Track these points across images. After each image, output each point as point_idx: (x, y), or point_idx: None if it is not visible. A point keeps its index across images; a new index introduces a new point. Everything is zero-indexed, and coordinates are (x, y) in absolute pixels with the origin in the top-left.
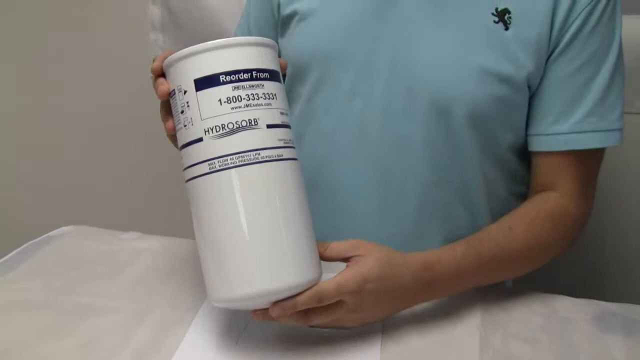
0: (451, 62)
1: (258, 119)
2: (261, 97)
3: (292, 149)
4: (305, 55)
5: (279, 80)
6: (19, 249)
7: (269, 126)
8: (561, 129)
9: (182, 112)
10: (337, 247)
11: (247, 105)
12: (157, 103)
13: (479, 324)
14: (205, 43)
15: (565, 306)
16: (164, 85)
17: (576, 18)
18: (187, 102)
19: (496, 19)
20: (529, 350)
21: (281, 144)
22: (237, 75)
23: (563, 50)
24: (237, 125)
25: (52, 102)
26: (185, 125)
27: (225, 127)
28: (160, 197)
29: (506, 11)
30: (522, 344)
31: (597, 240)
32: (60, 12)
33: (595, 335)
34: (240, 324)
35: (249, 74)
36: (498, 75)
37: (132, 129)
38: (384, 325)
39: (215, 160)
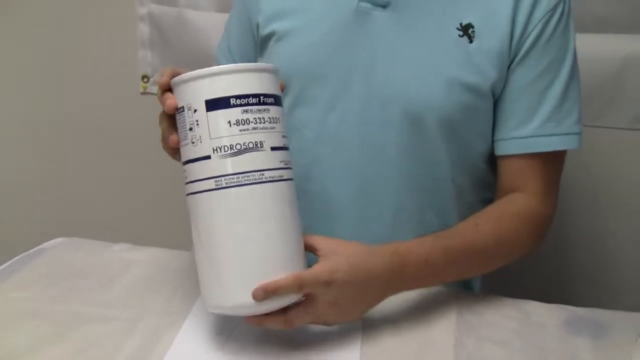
0: (422, 74)
1: (263, 141)
2: (267, 121)
3: (290, 170)
4: (285, 73)
5: (281, 105)
6: (10, 261)
7: (272, 149)
8: (522, 133)
9: (190, 129)
10: (309, 238)
11: (254, 128)
12: (147, 118)
13: (454, 328)
14: (218, 67)
15: (537, 311)
16: (172, 100)
17: (533, 29)
18: (197, 121)
19: (461, 33)
20: (501, 352)
21: (282, 165)
22: (246, 100)
23: (522, 59)
24: (245, 147)
25: (42, 116)
26: (193, 142)
27: (233, 148)
28: (150, 209)
29: (469, 26)
30: (496, 346)
31: (562, 247)
32: (50, 30)
33: (564, 338)
34: (227, 328)
35: (257, 99)
36: (465, 84)
37: (122, 143)
38: (364, 329)
39: (222, 178)
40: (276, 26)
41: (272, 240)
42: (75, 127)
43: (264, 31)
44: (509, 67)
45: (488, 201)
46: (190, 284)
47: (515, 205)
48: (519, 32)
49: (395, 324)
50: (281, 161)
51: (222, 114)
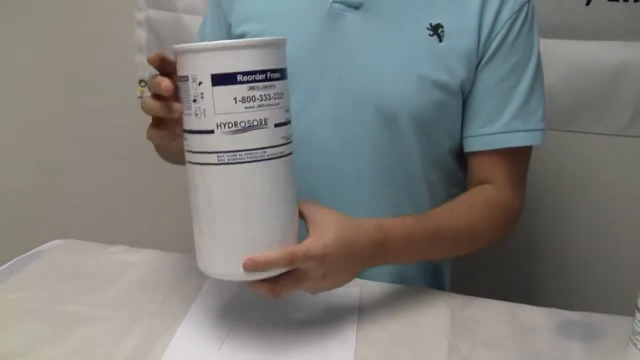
0: (394, 72)
1: (268, 118)
2: (272, 98)
3: (290, 144)
4: None
5: (286, 77)
6: (9, 263)
7: (276, 125)
8: (491, 130)
9: (194, 100)
10: (301, 204)
11: (259, 106)
12: (144, 122)
13: (448, 332)
14: (226, 41)
15: (530, 315)
16: (167, 82)
17: (500, 31)
18: (202, 94)
19: (431, 32)
20: (495, 356)
21: (284, 141)
22: (253, 76)
23: (489, 59)
24: (249, 124)
25: (40, 120)
26: (196, 114)
27: (238, 125)
28: (148, 212)
29: (439, 26)
30: (489, 350)
31: (558, 249)
32: (48, 34)
33: (557, 342)
34: (224, 330)
35: (264, 75)
36: (435, 82)
37: (119, 147)
38: (358, 333)
39: (225, 154)
40: (248, 28)
41: (268, 216)
42: (73, 130)
43: (236, 32)
44: (477, 67)
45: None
46: (187, 286)
47: (486, 195)
48: (486, 33)
49: (389, 328)
50: (283, 137)
51: (228, 90)
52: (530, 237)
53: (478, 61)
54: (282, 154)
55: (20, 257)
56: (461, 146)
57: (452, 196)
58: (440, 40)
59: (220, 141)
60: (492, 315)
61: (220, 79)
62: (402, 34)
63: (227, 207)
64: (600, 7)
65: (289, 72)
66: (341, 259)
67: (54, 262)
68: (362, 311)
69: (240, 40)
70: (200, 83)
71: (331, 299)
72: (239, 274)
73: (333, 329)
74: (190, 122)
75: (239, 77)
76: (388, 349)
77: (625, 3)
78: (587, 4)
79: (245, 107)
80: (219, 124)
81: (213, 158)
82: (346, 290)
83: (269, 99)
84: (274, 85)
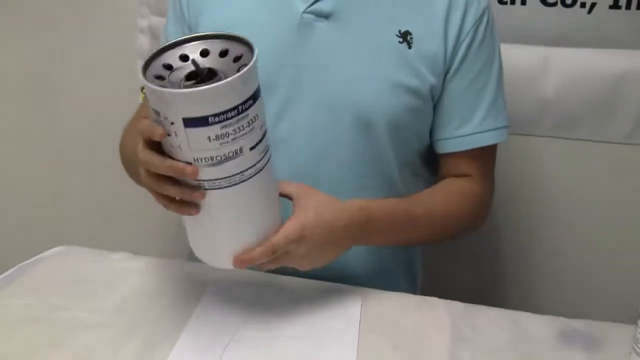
0: (368, 80)
1: (243, 147)
2: (246, 127)
3: (268, 151)
4: None
5: (260, 93)
6: (11, 270)
7: (252, 148)
8: (464, 132)
9: (169, 134)
10: (286, 186)
11: (234, 139)
12: None
13: (449, 341)
14: (195, 89)
15: (531, 322)
16: (161, 129)
17: (464, 38)
18: (175, 132)
19: (400, 39)
20: None
21: (260, 156)
22: (225, 115)
23: (458, 66)
24: (225, 157)
25: (41, 126)
26: (172, 146)
27: (214, 159)
28: (150, 219)
29: (408, 32)
30: (490, 359)
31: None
32: (50, 40)
33: (558, 350)
34: (224, 340)
35: (236, 110)
36: (407, 88)
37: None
38: (359, 341)
39: (204, 182)
40: None
41: (249, 221)
42: (75, 137)
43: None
44: (446, 74)
45: None
46: (188, 294)
47: (460, 185)
48: (452, 42)
49: (390, 338)
50: (260, 153)
51: (200, 131)
52: (531, 244)
53: (447, 69)
54: (260, 169)
55: (22, 264)
56: (427, 146)
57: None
58: (410, 47)
59: (199, 172)
60: (493, 324)
61: (191, 122)
62: (372, 42)
63: (211, 219)
64: (602, 15)
65: (263, 86)
66: (321, 239)
67: (56, 269)
68: (363, 320)
69: (208, 86)
70: (172, 123)
71: (332, 309)
72: (229, 266)
73: (334, 339)
74: (169, 150)
75: (211, 119)
76: (389, 358)
77: (627, 11)
78: (589, 12)
79: (220, 144)
80: (195, 158)
81: (193, 182)
82: (347, 299)
83: (243, 129)
84: (247, 114)
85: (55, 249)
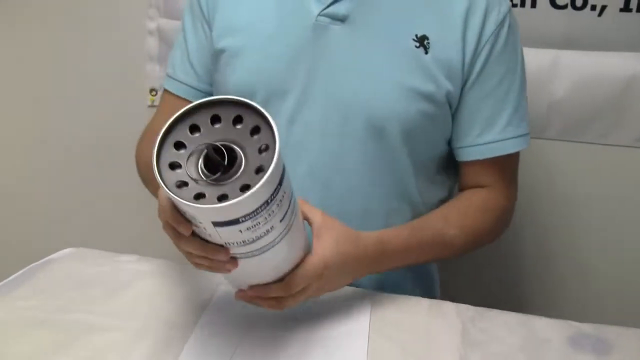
0: (382, 85)
1: (274, 226)
2: (275, 209)
3: (295, 207)
4: (246, 89)
5: (284, 171)
6: (20, 272)
7: (281, 220)
8: (486, 140)
9: (198, 227)
10: (308, 211)
11: (265, 222)
12: None
13: (459, 345)
14: (223, 204)
15: (542, 326)
16: (186, 226)
17: (485, 44)
18: (205, 228)
19: (417, 44)
20: None
21: (289, 219)
22: (255, 212)
23: (479, 73)
24: (257, 237)
25: (50, 129)
26: (201, 233)
27: (246, 241)
28: (158, 221)
29: (425, 37)
30: None
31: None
32: (59, 43)
33: (568, 355)
34: (233, 342)
35: (266, 203)
36: (422, 93)
37: (130, 156)
38: (369, 345)
39: (238, 254)
40: (228, 43)
41: (274, 269)
42: (84, 139)
43: (217, 46)
44: (467, 80)
45: (445, 201)
46: (197, 297)
47: (481, 198)
48: (471, 49)
49: (400, 342)
50: (289, 216)
51: (231, 229)
52: (542, 248)
53: (467, 76)
54: (289, 230)
55: (31, 265)
56: (445, 153)
57: (440, 201)
58: (426, 52)
59: (233, 250)
60: (503, 327)
61: (221, 224)
62: (388, 46)
63: (237, 272)
64: (613, 18)
65: (277, 86)
66: (338, 274)
67: (65, 271)
68: (373, 324)
69: (238, 199)
70: (201, 222)
71: (342, 312)
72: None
73: (344, 343)
74: (198, 232)
75: (241, 219)
76: None
77: (638, 14)
78: (599, 14)
79: (252, 231)
80: (227, 243)
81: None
82: (357, 303)
83: (274, 212)
84: (276, 199)
85: (65, 251)
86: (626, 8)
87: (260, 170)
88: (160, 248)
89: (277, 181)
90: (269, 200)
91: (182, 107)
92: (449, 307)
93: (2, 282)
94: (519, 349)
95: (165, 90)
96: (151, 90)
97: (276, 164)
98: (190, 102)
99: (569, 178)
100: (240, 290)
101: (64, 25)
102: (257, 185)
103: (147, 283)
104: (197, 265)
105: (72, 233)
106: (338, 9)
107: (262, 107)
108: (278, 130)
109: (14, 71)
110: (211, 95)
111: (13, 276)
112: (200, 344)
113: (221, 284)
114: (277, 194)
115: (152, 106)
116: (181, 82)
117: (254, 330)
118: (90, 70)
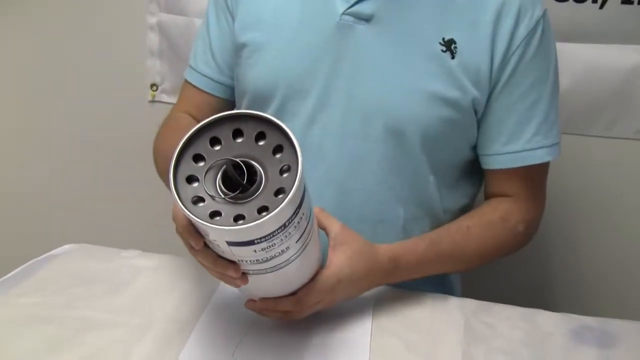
0: (404, 88)
1: (289, 246)
2: (292, 232)
3: (313, 226)
4: (265, 86)
5: (305, 194)
6: (22, 267)
7: (297, 241)
8: (513, 148)
9: (210, 242)
10: (325, 220)
11: (281, 243)
12: (155, 126)
13: (462, 339)
14: (240, 226)
15: (545, 320)
16: (198, 241)
17: (516, 50)
18: (219, 245)
19: (444, 48)
20: None
21: (304, 239)
22: (271, 234)
23: (508, 80)
24: (272, 257)
25: (51, 124)
26: (215, 249)
27: (260, 260)
28: (160, 216)
29: (452, 41)
30: (505, 357)
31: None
32: (59, 38)
33: (572, 348)
34: (235, 338)
35: (283, 227)
36: (446, 99)
37: (130, 151)
38: (372, 341)
39: (250, 270)
40: (251, 37)
41: (287, 284)
42: (84, 134)
43: (239, 40)
44: (495, 86)
45: (467, 208)
46: (200, 291)
47: (504, 209)
48: (501, 53)
49: (402, 337)
50: (305, 236)
51: (245, 249)
52: (546, 242)
53: (494, 82)
54: (304, 249)
55: (33, 261)
56: (468, 159)
57: (462, 209)
58: (453, 57)
59: (246, 267)
60: (506, 321)
61: (236, 244)
62: (413, 49)
63: (251, 286)
64: (614, 10)
65: (296, 85)
66: (351, 287)
67: (66, 267)
68: (375, 319)
69: (255, 222)
70: (214, 240)
71: (344, 308)
72: None
73: (347, 338)
74: (211, 245)
75: (256, 241)
76: (402, 358)
77: (639, 6)
78: (601, 7)
79: (267, 252)
80: (241, 261)
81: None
82: (359, 298)
83: (290, 234)
84: (293, 224)
85: (66, 247)
86: (627, 0)
87: (280, 192)
88: (163, 244)
89: (297, 204)
90: (287, 223)
91: (201, 99)
92: (452, 301)
93: (3, 278)
94: (523, 343)
95: (186, 81)
96: (152, 85)
97: (297, 188)
98: (210, 94)
99: (573, 171)
100: (250, 301)
101: (64, 20)
102: (276, 210)
103: (150, 279)
104: (208, 270)
105: (73, 228)
106: (363, 8)
107: (281, 105)
108: (302, 151)
109: (13, 67)
110: (232, 88)
111: (14, 271)
112: (202, 339)
113: None
114: (295, 216)
115: (152, 101)
116: (202, 73)
117: (257, 326)
118: (90, 65)
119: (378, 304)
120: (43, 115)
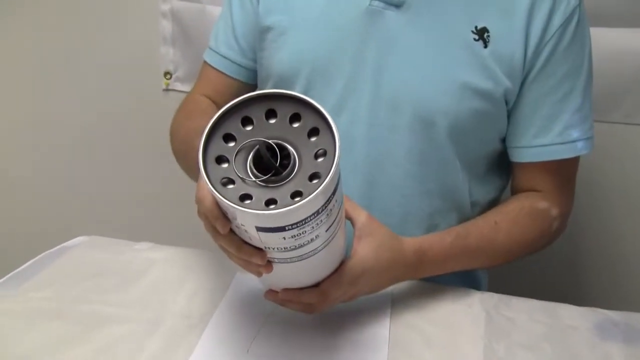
0: (433, 78)
1: (319, 234)
2: (324, 220)
3: (341, 217)
4: (290, 70)
5: (339, 181)
6: (34, 259)
7: (327, 230)
8: (544, 142)
9: (237, 227)
10: (352, 211)
11: (311, 231)
12: (170, 114)
13: (483, 333)
14: (271, 211)
15: (568, 314)
16: (225, 224)
17: (550, 39)
18: (246, 231)
19: (476, 36)
20: (532, 358)
21: (333, 228)
22: (303, 221)
23: (540, 70)
24: (300, 245)
25: (64, 114)
26: (241, 232)
27: (288, 248)
28: (173, 207)
29: (485, 30)
30: (526, 352)
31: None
32: (72, 26)
33: (596, 344)
34: (250, 333)
35: (316, 214)
36: (477, 90)
37: (145, 139)
38: (391, 335)
39: (276, 259)
40: (275, 20)
41: (311, 276)
42: (98, 123)
43: (263, 22)
44: (527, 76)
45: (495, 202)
46: (213, 284)
47: (533, 205)
48: (534, 43)
49: (422, 331)
50: (335, 225)
51: (275, 235)
52: (573, 235)
53: (527, 72)
54: (332, 239)
55: (45, 253)
56: (498, 151)
57: (490, 203)
58: (486, 46)
59: (272, 254)
60: (528, 315)
61: (265, 229)
62: (445, 37)
63: (272, 274)
64: None
65: (322, 71)
66: (374, 280)
67: (78, 260)
68: (394, 312)
69: (288, 208)
70: (243, 225)
71: (362, 301)
72: None
73: (364, 332)
74: (236, 230)
75: (287, 228)
76: (421, 352)
77: None
78: None
79: (296, 239)
80: (268, 248)
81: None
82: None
83: (321, 222)
84: (326, 211)
85: (78, 239)
86: None
87: (314, 177)
88: (176, 235)
89: (331, 190)
90: (320, 210)
91: (221, 82)
92: (472, 294)
93: (15, 271)
94: (545, 338)
95: (205, 63)
96: (165, 73)
97: (334, 174)
98: (231, 77)
99: (598, 161)
100: (271, 291)
101: (77, 8)
102: (311, 196)
103: (162, 271)
104: (230, 257)
105: (86, 220)
106: None
107: (306, 91)
108: (340, 136)
109: (27, 56)
110: (253, 72)
111: (27, 264)
112: (216, 335)
113: (239, 271)
114: (329, 203)
115: (166, 89)
116: (223, 56)
117: (273, 320)
118: (104, 54)
119: (397, 297)
120: (57, 104)
